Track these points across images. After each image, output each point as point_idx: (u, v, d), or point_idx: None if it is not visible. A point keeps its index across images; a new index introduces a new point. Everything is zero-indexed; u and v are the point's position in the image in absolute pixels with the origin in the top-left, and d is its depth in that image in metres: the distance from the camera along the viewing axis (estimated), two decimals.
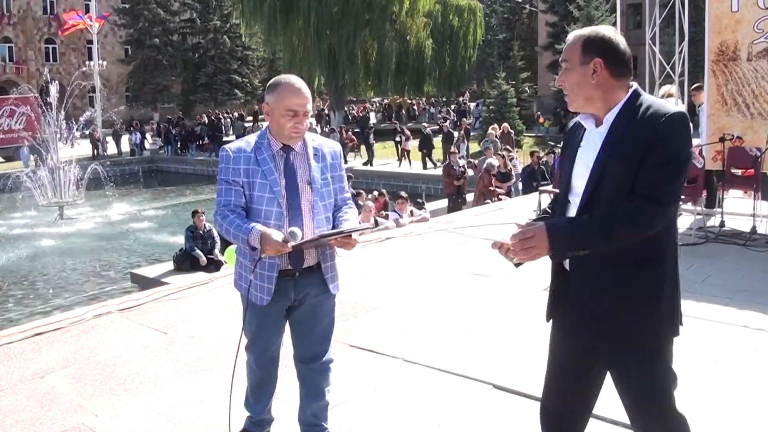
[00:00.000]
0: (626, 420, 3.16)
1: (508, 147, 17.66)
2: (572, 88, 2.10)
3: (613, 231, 1.97)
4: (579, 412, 2.35)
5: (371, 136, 24.22)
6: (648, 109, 2.01)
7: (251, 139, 2.77)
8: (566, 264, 2.15)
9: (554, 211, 2.30)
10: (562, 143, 2.38)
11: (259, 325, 2.83)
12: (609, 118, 2.07)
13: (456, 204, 13.20)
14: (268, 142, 2.72)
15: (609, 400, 3.41)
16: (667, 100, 7.42)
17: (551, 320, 2.32)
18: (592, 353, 2.18)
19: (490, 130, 21.71)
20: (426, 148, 22.06)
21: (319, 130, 27.39)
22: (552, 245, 1.97)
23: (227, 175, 2.69)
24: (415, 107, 40.57)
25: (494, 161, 12.93)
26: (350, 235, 2.61)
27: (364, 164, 23.47)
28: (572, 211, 2.14)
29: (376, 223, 9.40)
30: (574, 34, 2.13)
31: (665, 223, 2.00)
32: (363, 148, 25.09)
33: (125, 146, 31.01)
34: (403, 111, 38.82)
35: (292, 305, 2.82)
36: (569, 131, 2.28)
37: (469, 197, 13.91)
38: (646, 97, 2.08)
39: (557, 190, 8.38)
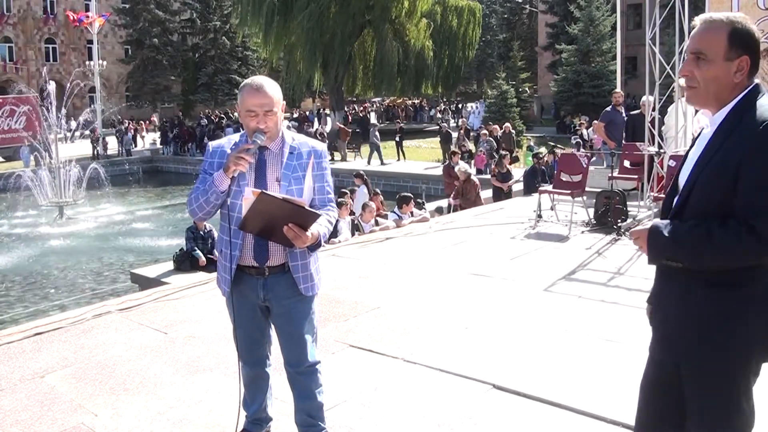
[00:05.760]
0: (626, 420, 3.17)
1: (510, 149, 17.72)
2: (707, 83, 1.86)
3: (705, 257, 1.83)
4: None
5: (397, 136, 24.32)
6: (754, 112, 1.81)
7: (234, 137, 2.87)
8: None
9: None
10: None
11: (236, 318, 2.90)
12: (717, 119, 1.90)
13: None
14: (246, 140, 2.77)
15: (609, 400, 3.42)
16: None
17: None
18: (663, 368, 2.03)
19: (484, 131, 21.81)
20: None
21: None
22: (648, 249, 1.93)
23: (204, 165, 2.83)
24: (424, 107, 40.70)
25: (467, 166, 12.50)
26: (305, 228, 2.57)
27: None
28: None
29: (377, 223, 9.39)
30: (712, 19, 1.88)
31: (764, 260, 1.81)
32: (363, 148, 25.16)
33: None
34: (399, 109, 38.92)
35: (265, 305, 2.83)
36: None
37: None
38: (763, 99, 1.85)
39: (557, 191, 8.33)
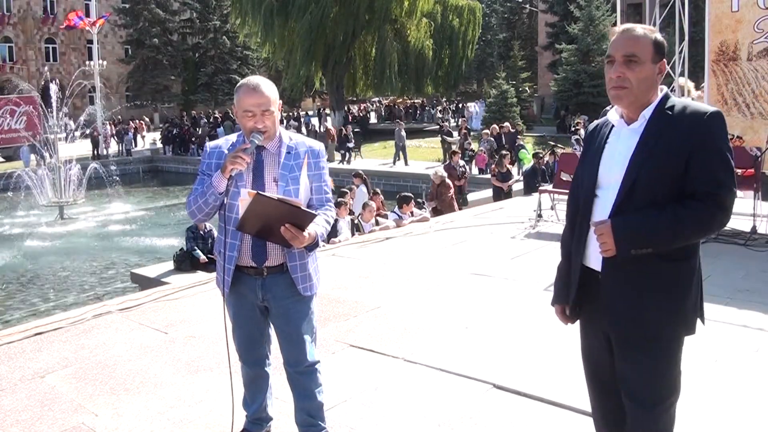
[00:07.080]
0: None
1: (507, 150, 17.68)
2: (639, 83, 2.08)
3: (683, 237, 2.02)
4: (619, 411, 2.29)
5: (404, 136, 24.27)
6: (686, 108, 2.08)
7: (231, 137, 2.86)
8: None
9: (574, 209, 2.29)
10: (583, 144, 2.37)
11: (234, 318, 2.90)
12: (645, 114, 2.11)
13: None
14: (243, 140, 2.77)
15: None
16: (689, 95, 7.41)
17: (580, 324, 2.33)
18: (608, 346, 2.20)
19: (485, 130, 21.81)
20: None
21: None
22: (617, 244, 2.02)
23: (202, 167, 2.83)
24: (425, 106, 40.73)
25: (441, 170, 12.49)
26: (302, 229, 2.57)
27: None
28: (601, 205, 2.15)
29: (377, 223, 9.39)
30: (636, 29, 2.11)
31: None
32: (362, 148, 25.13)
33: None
34: (399, 107, 38.94)
35: (264, 305, 2.83)
36: (591, 132, 2.30)
37: (470, 197, 13.91)
38: (677, 98, 2.14)
39: (557, 191, 8.34)
